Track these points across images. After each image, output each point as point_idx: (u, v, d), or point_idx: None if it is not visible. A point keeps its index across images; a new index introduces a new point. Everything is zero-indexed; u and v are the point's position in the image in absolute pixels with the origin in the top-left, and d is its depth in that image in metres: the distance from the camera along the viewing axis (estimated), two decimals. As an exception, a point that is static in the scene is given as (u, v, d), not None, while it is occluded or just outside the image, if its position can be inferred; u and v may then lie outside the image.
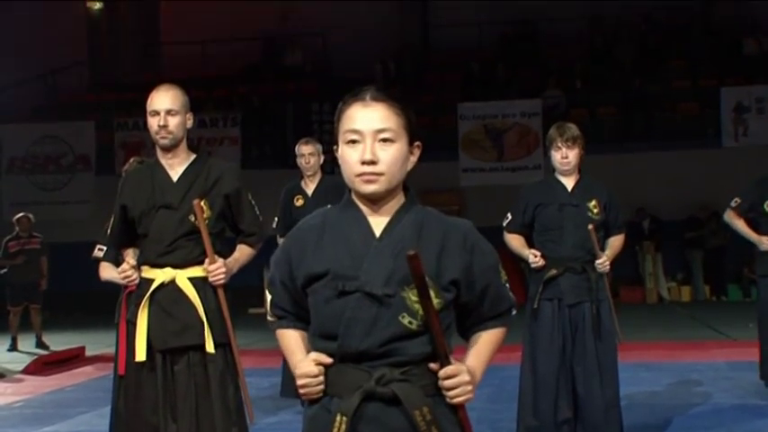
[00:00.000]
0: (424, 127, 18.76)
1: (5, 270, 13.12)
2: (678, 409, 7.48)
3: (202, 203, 4.41)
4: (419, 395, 2.37)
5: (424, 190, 16.60)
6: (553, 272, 5.63)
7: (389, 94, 2.50)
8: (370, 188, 2.43)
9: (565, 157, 5.65)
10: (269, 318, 2.65)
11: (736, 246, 16.39)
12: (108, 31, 22.24)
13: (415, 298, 2.35)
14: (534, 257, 5.67)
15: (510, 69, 19.90)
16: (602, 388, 5.61)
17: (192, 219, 4.40)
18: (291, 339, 2.59)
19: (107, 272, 5.95)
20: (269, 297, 2.62)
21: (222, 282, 4.43)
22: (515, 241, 5.86)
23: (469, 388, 2.37)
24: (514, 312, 2.63)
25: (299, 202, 7.52)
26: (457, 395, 2.36)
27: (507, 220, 5.89)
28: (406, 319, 2.36)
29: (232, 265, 4.52)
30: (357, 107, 2.45)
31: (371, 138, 2.42)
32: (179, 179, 4.49)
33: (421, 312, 2.34)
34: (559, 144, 5.64)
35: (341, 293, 2.39)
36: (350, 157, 2.43)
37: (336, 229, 2.48)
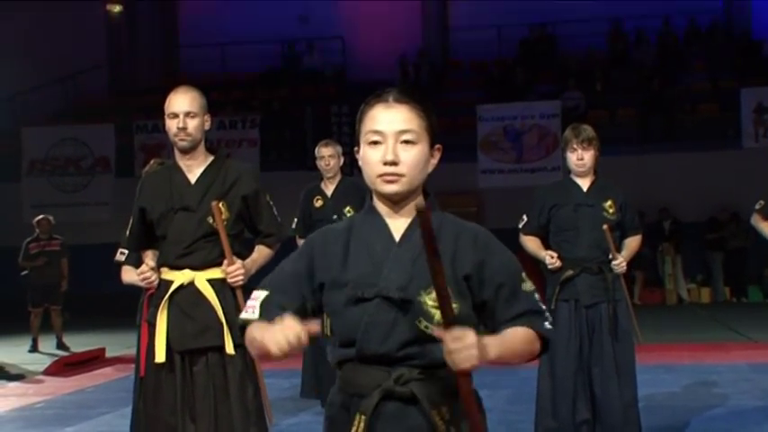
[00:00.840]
0: (443, 129, 18.61)
1: (26, 272, 13.19)
2: (698, 410, 7.45)
3: (220, 205, 4.42)
4: (438, 395, 2.37)
5: (443, 191, 16.57)
6: (569, 272, 5.62)
7: (412, 95, 2.50)
8: (391, 188, 2.42)
9: (580, 158, 5.64)
10: (242, 315, 2.50)
11: (756, 247, 16.32)
12: (128, 34, 22.35)
13: (431, 302, 2.34)
14: (551, 258, 5.67)
15: (529, 72, 19.87)
16: (620, 389, 5.60)
17: (211, 220, 4.41)
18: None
19: (128, 275, 5.98)
20: None
21: (240, 283, 4.43)
22: (531, 243, 5.84)
23: (473, 353, 2.18)
24: (549, 326, 2.48)
25: (319, 203, 7.54)
26: (458, 359, 2.17)
27: (523, 222, 5.87)
28: (422, 324, 2.36)
29: (250, 266, 4.52)
30: (380, 108, 2.45)
31: (393, 139, 2.41)
32: (197, 181, 4.49)
33: (437, 317, 2.31)
34: (575, 146, 5.63)
35: (359, 300, 2.38)
36: (371, 158, 2.43)
37: (360, 237, 2.47)
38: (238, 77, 20.65)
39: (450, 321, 2.19)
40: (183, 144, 4.48)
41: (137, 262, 5.87)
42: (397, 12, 20.89)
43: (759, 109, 17.26)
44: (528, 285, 2.50)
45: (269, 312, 2.42)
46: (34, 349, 13.05)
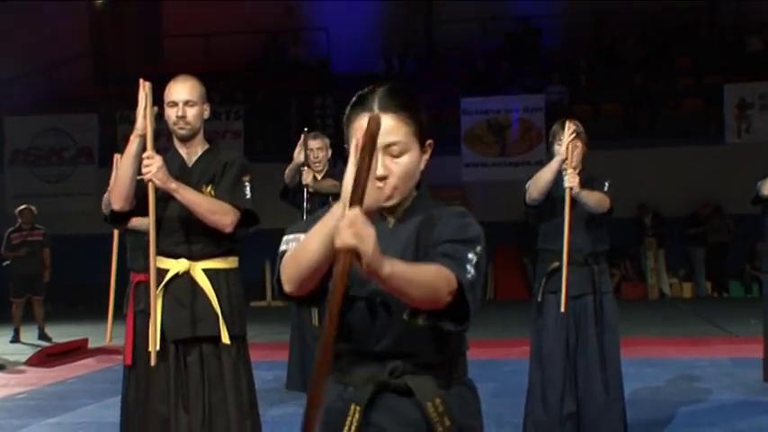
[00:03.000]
0: (427, 122, 18.73)
1: (8, 262, 13.13)
2: (680, 404, 7.48)
3: (209, 190, 4.39)
4: (432, 387, 2.38)
5: (427, 184, 16.56)
6: (556, 264, 5.64)
7: (400, 99, 2.42)
8: (386, 203, 2.40)
9: (570, 154, 5.63)
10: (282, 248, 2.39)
11: (738, 242, 16.47)
12: (111, 25, 22.22)
13: None
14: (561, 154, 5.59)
15: (513, 66, 19.88)
16: (604, 382, 5.63)
17: None
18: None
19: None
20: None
21: (149, 176, 4.19)
22: (537, 175, 5.72)
23: (361, 236, 2.02)
24: (470, 276, 2.29)
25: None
26: (342, 235, 2.02)
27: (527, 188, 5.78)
28: (406, 315, 2.35)
29: (177, 185, 4.27)
30: (365, 119, 2.31)
31: (381, 151, 2.35)
32: (192, 167, 4.50)
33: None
34: (563, 138, 5.65)
35: (353, 298, 2.37)
36: None
37: None
38: (222, 69, 20.56)
39: (355, 200, 2.08)
40: (182, 132, 4.48)
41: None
42: (382, 4, 20.86)
43: (742, 105, 17.34)
44: (476, 249, 2.35)
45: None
46: (16, 340, 13.00)
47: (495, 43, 20.57)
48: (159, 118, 4.35)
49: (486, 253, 2.41)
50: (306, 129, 7.48)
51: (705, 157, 17.21)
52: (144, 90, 4.28)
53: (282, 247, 2.41)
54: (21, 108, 19.13)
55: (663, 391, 8.12)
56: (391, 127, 2.37)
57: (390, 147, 2.37)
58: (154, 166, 4.17)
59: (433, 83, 19.96)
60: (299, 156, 7.33)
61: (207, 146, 4.58)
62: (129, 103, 17.85)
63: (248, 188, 4.46)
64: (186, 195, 4.29)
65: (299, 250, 2.27)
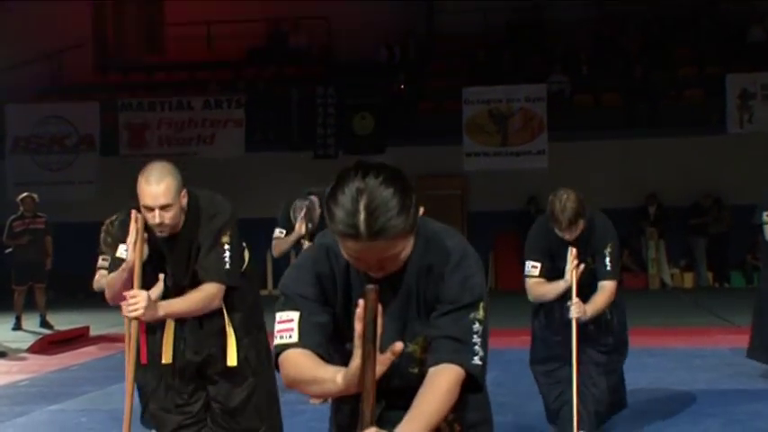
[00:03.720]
0: (429, 111, 18.80)
1: (10, 250, 13.14)
2: (681, 394, 7.51)
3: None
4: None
5: (429, 174, 16.58)
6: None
7: (387, 208, 2.22)
8: (382, 276, 2.36)
9: (569, 236, 5.45)
10: (278, 341, 2.41)
11: (739, 233, 16.44)
12: (113, 12, 22.19)
13: (420, 349, 2.40)
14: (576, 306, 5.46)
15: (515, 55, 19.85)
16: (606, 372, 5.66)
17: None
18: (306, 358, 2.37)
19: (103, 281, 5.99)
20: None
21: (134, 315, 4.01)
22: (541, 288, 5.62)
23: None
24: (478, 362, 2.33)
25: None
26: None
27: (528, 265, 5.66)
28: (415, 369, 2.41)
29: (166, 309, 4.15)
30: (353, 243, 2.24)
31: (376, 260, 2.30)
32: (175, 252, 4.28)
33: (424, 358, 2.38)
34: (563, 229, 5.42)
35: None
36: (355, 264, 2.34)
37: (343, 277, 2.43)
38: (223, 57, 20.53)
39: (368, 420, 2.10)
40: (162, 235, 4.21)
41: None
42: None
43: (744, 95, 17.32)
44: (475, 316, 2.36)
45: (309, 335, 2.37)
46: (18, 327, 13.03)
47: (496, 33, 20.54)
48: (144, 225, 4.17)
49: (488, 304, 2.41)
50: (308, 200, 7.38)
51: (707, 148, 17.20)
52: (135, 224, 4.09)
53: (276, 233, 2.46)
54: (22, 96, 19.13)
55: (663, 381, 8.14)
56: (385, 246, 2.26)
57: (386, 258, 2.30)
58: (140, 306, 3.99)
59: (434, 72, 19.95)
60: (300, 228, 7.12)
61: (186, 210, 4.25)
62: (130, 90, 17.83)
63: (227, 255, 4.24)
64: (175, 311, 4.21)
65: (303, 385, 2.36)
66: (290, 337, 2.36)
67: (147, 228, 4.14)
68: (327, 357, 2.36)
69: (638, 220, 17.43)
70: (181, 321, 4.32)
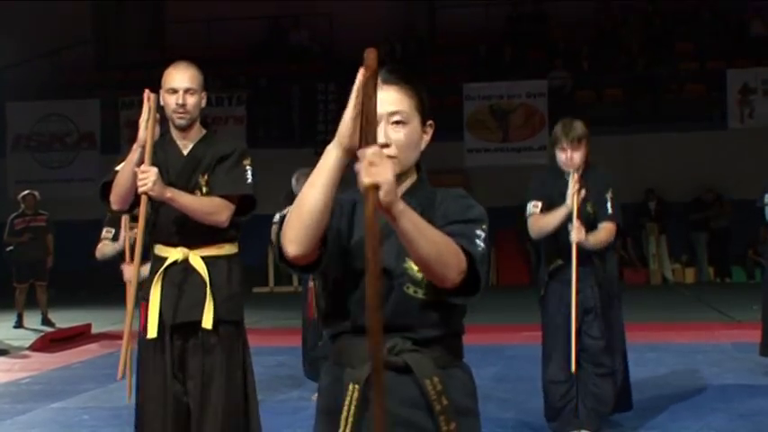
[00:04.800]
0: (430, 107, 18.72)
1: (11, 248, 13.15)
2: (683, 389, 7.51)
3: (206, 178, 4.39)
4: (430, 365, 2.40)
5: (430, 170, 16.48)
6: (559, 262, 5.63)
7: (402, 73, 2.48)
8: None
9: (570, 158, 5.53)
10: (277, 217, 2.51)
11: (740, 228, 16.46)
12: (114, 10, 22.19)
13: (417, 268, 2.36)
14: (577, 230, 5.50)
15: (516, 50, 19.83)
16: (609, 369, 5.66)
17: (198, 195, 4.37)
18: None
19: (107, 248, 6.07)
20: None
21: (144, 189, 4.14)
22: (546, 218, 5.61)
23: (384, 177, 2.11)
24: (480, 248, 2.37)
25: None
26: (368, 172, 2.11)
27: (530, 205, 5.69)
28: (410, 289, 2.39)
29: (174, 193, 4.24)
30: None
31: (384, 120, 2.41)
32: (188, 155, 4.45)
33: (422, 278, 2.36)
34: (564, 145, 5.52)
35: (356, 272, 2.38)
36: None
37: (359, 211, 2.45)
38: (225, 54, 20.53)
39: (370, 139, 2.16)
40: (181, 122, 4.40)
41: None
42: (384, -12, 20.79)
43: (745, 90, 17.32)
44: (483, 227, 2.43)
45: None
46: (19, 325, 13.04)
47: (497, 28, 20.52)
48: (157, 106, 4.30)
49: (489, 234, 2.46)
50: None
51: (708, 143, 17.20)
52: (148, 102, 4.22)
53: (277, 217, 2.47)
54: (23, 93, 19.14)
55: (665, 376, 8.13)
56: (394, 98, 2.43)
57: (393, 115, 2.43)
58: (149, 179, 4.11)
59: (435, 68, 19.93)
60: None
61: (203, 133, 4.52)
62: (131, 88, 17.78)
63: (249, 172, 4.43)
64: (181, 201, 4.27)
65: (301, 202, 2.32)
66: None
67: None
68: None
69: (640, 216, 17.43)
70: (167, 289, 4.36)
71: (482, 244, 2.39)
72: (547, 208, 5.62)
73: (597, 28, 20.29)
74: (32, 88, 19.58)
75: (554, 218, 5.54)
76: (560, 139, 5.56)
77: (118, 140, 18.29)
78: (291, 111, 18.74)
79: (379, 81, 2.34)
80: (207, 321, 4.36)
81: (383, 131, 2.40)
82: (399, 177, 2.43)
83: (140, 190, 4.15)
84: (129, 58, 21.52)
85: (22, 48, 18.94)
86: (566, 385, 5.66)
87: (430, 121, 2.52)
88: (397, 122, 2.43)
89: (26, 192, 13.37)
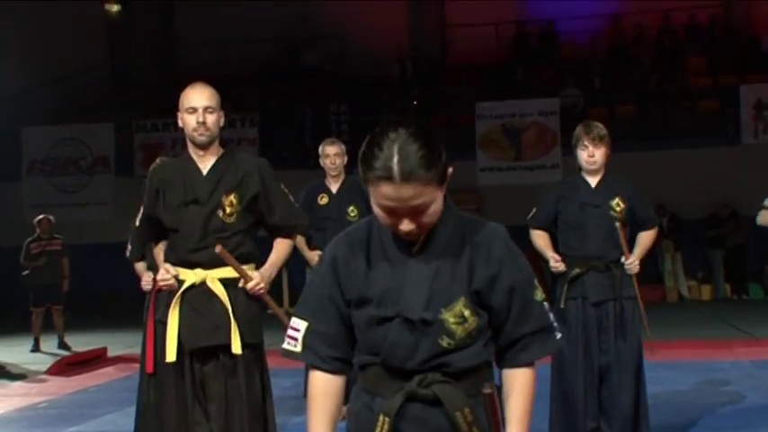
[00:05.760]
0: (442, 126, 18.78)
1: (27, 272, 13.18)
2: (703, 407, 7.44)
3: (231, 197, 4.42)
4: (461, 396, 2.38)
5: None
6: (577, 270, 5.61)
7: (418, 155, 2.31)
8: (414, 239, 2.41)
9: (591, 155, 5.60)
10: (285, 346, 2.53)
11: (757, 244, 16.34)
12: (126, 33, 22.33)
13: (453, 320, 2.35)
14: (555, 262, 5.63)
15: (527, 69, 19.85)
16: (625, 389, 5.58)
17: (221, 214, 4.40)
18: (325, 399, 2.51)
19: (141, 270, 6.14)
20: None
21: (263, 292, 4.47)
22: (540, 240, 5.81)
23: None
24: (559, 336, 2.49)
25: (324, 201, 7.48)
26: None
27: (531, 215, 5.83)
28: (445, 341, 2.37)
29: (269, 270, 4.55)
30: (387, 187, 2.30)
31: (408, 212, 2.34)
32: (208, 173, 4.48)
33: (459, 332, 2.36)
34: (586, 143, 5.59)
35: (382, 319, 2.38)
36: (387, 221, 2.38)
37: (379, 247, 2.44)
38: (237, 75, 20.61)
39: None
40: (201, 139, 4.44)
41: (139, 252, 5.98)
42: (396, 9, 20.87)
43: (759, 105, 17.27)
44: (539, 294, 2.49)
45: (314, 348, 2.48)
46: (36, 349, 13.04)
47: (508, 47, 20.55)
48: (174, 127, 4.39)
49: None
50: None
51: (722, 159, 17.13)
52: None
53: (292, 334, 2.50)
54: (38, 118, 19.25)
55: (684, 395, 8.07)
56: (415, 193, 2.31)
57: (417, 207, 2.33)
58: (262, 288, 4.47)
59: (447, 87, 19.96)
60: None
61: (221, 151, 4.56)
62: (145, 111, 17.89)
63: (290, 197, 4.74)
64: (276, 268, 4.61)
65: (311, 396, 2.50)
66: (295, 346, 2.51)
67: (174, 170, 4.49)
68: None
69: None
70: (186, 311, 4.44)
71: (548, 311, 2.48)
72: (560, 207, 5.72)
73: (608, 45, 20.29)
74: (47, 113, 19.70)
75: (543, 251, 5.75)
76: (582, 138, 5.62)
77: (132, 164, 18.37)
78: (304, 132, 18.76)
79: (396, 178, 2.29)
80: (236, 347, 4.37)
81: (407, 222, 2.34)
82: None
83: (259, 294, 4.45)
84: (142, 80, 21.64)
85: (36, 72, 19.07)
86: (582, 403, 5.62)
87: (449, 170, 2.41)
88: (420, 212, 2.35)
89: (41, 216, 13.40)
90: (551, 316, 2.48)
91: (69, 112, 20.25)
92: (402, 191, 2.28)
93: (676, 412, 7.23)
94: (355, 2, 20.31)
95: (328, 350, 2.46)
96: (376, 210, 2.37)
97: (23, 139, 19.08)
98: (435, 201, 2.36)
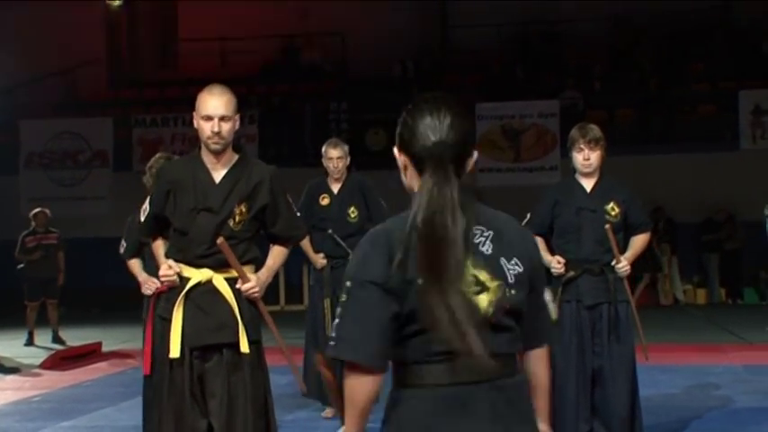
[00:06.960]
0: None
1: (23, 265, 13.17)
2: (696, 411, 7.46)
3: (242, 207, 4.45)
4: None
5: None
6: (572, 274, 5.62)
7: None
8: None
9: (587, 158, 5.61)
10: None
11: (752, 249, 16.37)
12: (126, 29, 22.31)
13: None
14: (558, 264, 5.63)
15: (529, 70, 19.86)
16: (619, 391, 5.59)
17: (231, 223, 4.41)
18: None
19: (139, 274, 6.12)
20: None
21: (257, 296, 4.49)
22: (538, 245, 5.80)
23: None
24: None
25: (325, 201, 7.45)
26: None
27: (526, 220, 5.81)
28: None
29: (266, 276, 4.57)
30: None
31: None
32: (221, 182, 4.47)
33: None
34: (581, 145, 5.60)
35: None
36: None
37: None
38: (237, 72, 20.59)
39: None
40: (216, 147, 4.42)
41: (136, 249, 5.98)
42: (397, 8, 20.86)
43: (757, 111, 17.28)
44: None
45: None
46: (30, 343, 13.04)
47: (509, 48, 20.56)
48: (173, 122, 4.39)
49: None
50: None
51: (720, 164, 17.13)
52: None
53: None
54: (36, 112, 19.23)
55: (677, 398, 8.09)
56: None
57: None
58: (257, 292, 4.47)
59: (447, 87, 19.94)
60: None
61: (235, 157, 4.53)
62: (144, 106, 17.91)
63: (294, 207, 4.79)
64: (272, 273, 4.65)
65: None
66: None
67: (186, 173, 4.50)
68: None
69: (651, 236, 17.36)
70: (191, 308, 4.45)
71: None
72: (555, 211, 5.72)
73: (609, 48, 20.30)
74: (45, 106, 19.69)
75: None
76: (577, 140, 5.63)
77: (130, 159, 18.35)
78: (303, 130, 18.76)
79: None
80: (244, 345, 4.40)
81: None
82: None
83: (253, 298, 4.47)
84: (142, 76, 21.62)
85: (35, 66, 19.05)
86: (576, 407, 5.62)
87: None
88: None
89: (37, 209, 13.39)
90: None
91: (68, 105, 20.24)
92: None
93: (669, 415, 7.24)
94: (356, 1, 20.30)
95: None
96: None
97: (21, 132, 19.05)
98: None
